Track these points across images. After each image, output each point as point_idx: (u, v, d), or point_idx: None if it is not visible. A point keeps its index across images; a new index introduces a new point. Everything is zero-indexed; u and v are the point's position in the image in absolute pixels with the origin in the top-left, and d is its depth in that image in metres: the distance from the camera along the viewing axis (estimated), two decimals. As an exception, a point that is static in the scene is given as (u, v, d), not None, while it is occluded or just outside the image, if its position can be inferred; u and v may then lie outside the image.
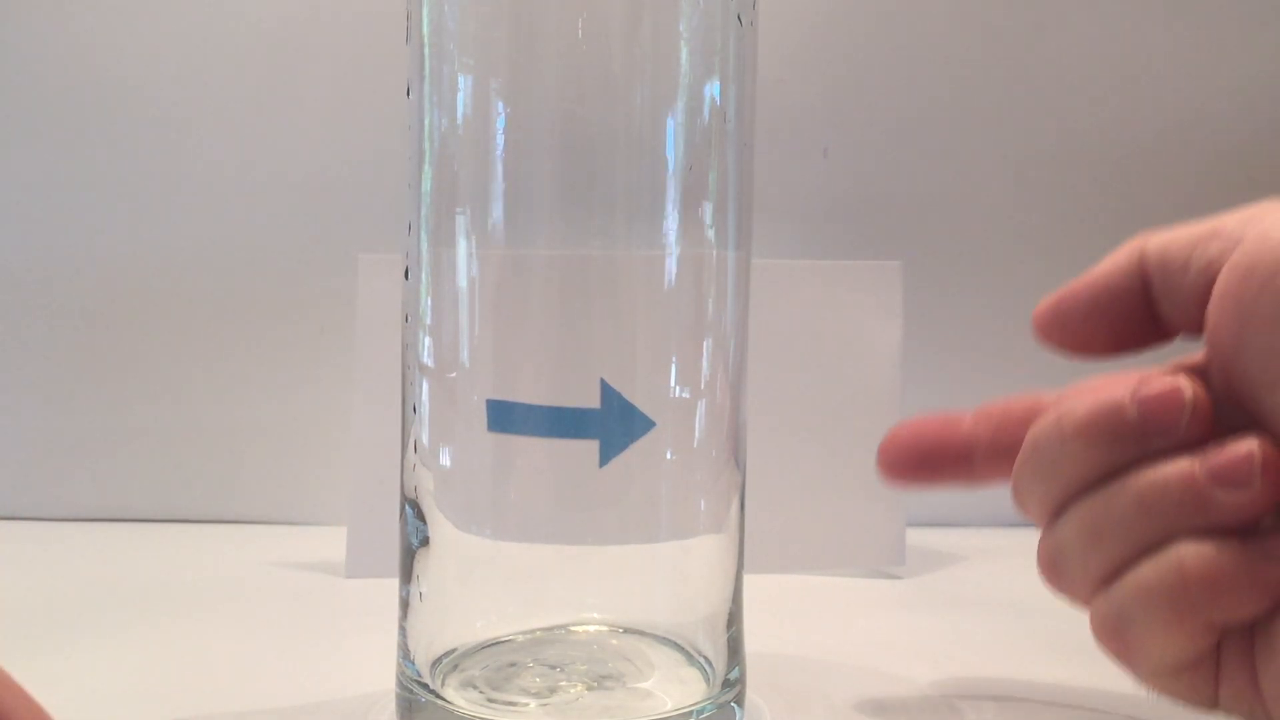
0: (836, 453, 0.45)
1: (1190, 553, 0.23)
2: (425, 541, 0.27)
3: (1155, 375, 0.24)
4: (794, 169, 0.53)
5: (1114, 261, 0.26)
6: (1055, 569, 0.25)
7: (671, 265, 0.26)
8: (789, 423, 0.45)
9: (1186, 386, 0.23)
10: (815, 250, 0.53)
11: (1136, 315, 0.26)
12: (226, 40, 0.52)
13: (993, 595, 0.42)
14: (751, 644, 0.29)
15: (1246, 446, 0.23)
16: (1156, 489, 0.23)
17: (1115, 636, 0.24)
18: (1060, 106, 0.53)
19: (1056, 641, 0.36)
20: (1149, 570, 0.23)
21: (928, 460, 0.28)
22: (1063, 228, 0.54)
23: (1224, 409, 0.24)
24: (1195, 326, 0.25)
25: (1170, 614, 0.23)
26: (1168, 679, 0.24)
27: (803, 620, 0.39)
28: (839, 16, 0.53)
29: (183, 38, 0.52)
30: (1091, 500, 0.24)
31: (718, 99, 0.27)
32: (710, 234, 0.27)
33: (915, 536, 0.46)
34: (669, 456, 0.27)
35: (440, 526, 0.27)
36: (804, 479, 0.45)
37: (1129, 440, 0.24)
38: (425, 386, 0.27)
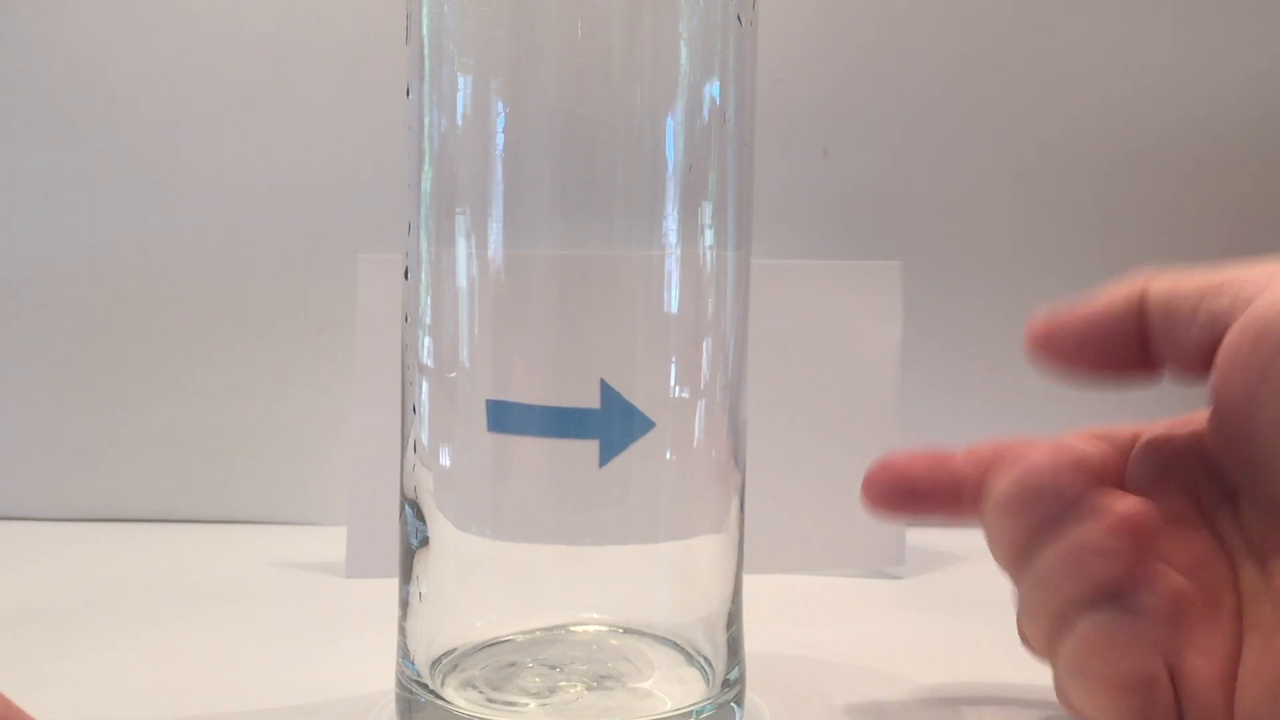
0: (836, 452, 0.45)
1: (1085, 623, 0.24)
2: (425, 541, 0.27)
3: (1038, 443, 0.25)
4: (794, 169, 0.53)
5: (1114, 296, 0.26)
6: (1023, 637, 0.27)
7: (671, 265, 0.26)
8: (789, 423, 0.45)
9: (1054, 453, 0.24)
10: (815, 250, 0.53)
11: (1128, 351, 0.26)
12: (226, 40, 0.52)
13: (993, 595, 0.42)
14: (751, 644, 0.29)
15: (1120, 507, 0.23)
16: (1050, 563, 0.24)
17: (1064, 703, 0.25)
18: (1060, 107, 0.53)
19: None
20: (1066, 642, 0.24)
21: (915, 494, 0.28)
22: (1063, 228, 0.54)
23: (1229, 466, 0.24)
24: (1192, 373, 0.25)
25: (1088, 681, 0.24)
26: None
27: (803, 620, 0.39)
28: (839, 16, 0.53)
29: (182, 37, 0.52)
30: (1025, 574, 0.25)
31: (717, 99, 0.27)
32: (710, 234, 0.27)
33: (915, 536, 0.46)
34: (669, 456, 0.27)
35: (440, 526, 0.27)
36: (804, 479, 0.45)
37: (1030, 511, 0.25)
38: (425, 386, 0.27)
